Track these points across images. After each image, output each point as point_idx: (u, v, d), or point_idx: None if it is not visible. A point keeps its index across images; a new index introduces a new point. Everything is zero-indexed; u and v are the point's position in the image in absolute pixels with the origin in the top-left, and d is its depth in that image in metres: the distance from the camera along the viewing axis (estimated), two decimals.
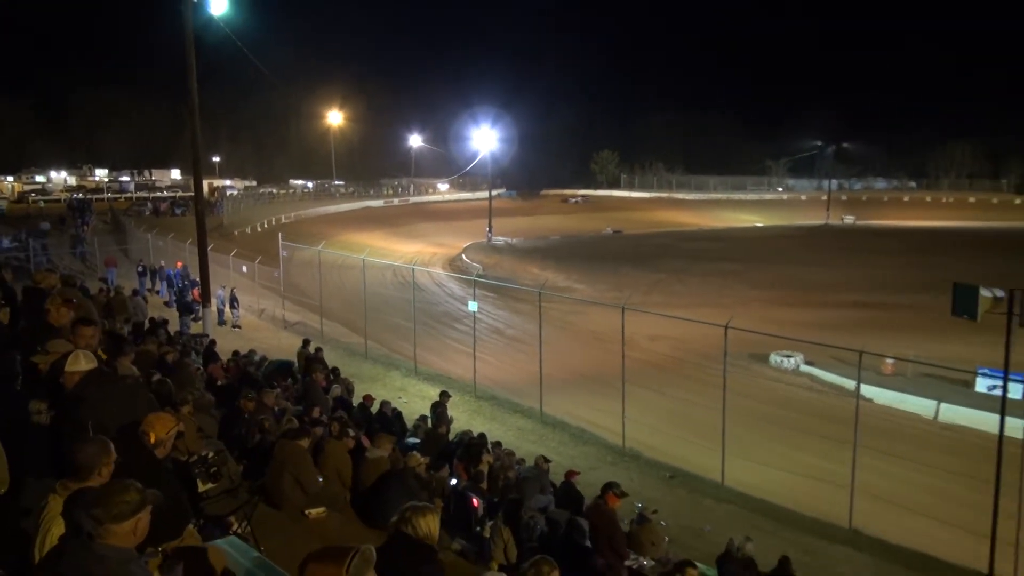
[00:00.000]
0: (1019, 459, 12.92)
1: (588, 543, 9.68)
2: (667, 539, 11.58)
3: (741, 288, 47.58)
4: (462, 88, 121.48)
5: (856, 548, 13.70)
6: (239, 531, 6.33)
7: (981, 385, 24.64)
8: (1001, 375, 13.65)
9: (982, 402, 22.24)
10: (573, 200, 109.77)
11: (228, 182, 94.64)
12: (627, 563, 9.63)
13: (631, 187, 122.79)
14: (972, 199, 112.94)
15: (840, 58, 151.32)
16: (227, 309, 29.37)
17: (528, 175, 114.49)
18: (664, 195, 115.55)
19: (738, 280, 51.07)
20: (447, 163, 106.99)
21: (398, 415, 16.50)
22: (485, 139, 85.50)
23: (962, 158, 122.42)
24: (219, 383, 14.79)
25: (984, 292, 13.11)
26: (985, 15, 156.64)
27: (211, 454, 7.02)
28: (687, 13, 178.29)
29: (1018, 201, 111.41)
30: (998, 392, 13.76)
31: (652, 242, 75.91)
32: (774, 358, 29.20)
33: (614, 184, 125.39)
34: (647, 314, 25.88)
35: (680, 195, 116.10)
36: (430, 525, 4.80)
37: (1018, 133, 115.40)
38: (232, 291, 29.80)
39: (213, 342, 19.81)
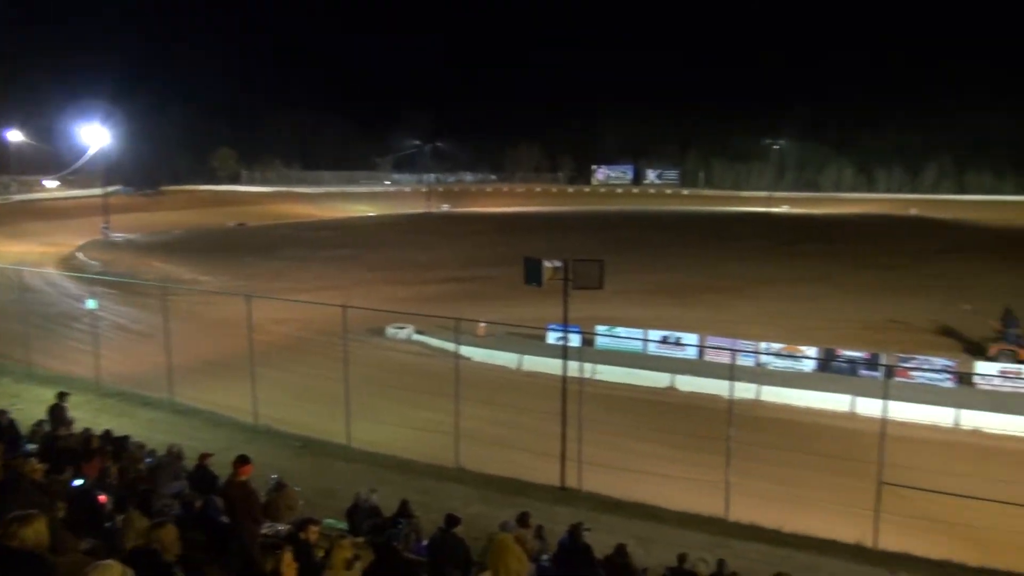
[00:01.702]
0: (578, 394, 14.83)
1: (225, 518, 9.16)
2: (302, 502, 11.39)
3: (358, 271, 48.31)
4: (69, 83, 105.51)
5: (462, 483, 14.67)
6: None
7: (551, 338, 27.76)
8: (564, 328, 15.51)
9: (553, 351, 24.60)
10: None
11: None
12: (263, 530, 9.29)
13: (252, 182, 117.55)
14: (538, 189, 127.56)
15: (432, 70, 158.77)
16: None
17: (146, 171, 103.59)
18: (284, 189, 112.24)
19: (355, 264, 51.76)
20: (55, 159, 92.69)
21: (11, 423, 14.08)
22: (96, 135, 75.78)
23: (529, 156, 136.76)
24: None
25: (546, 263, 14.57)
26: (546, 35, 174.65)
27: None
28: (297, 26, 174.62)
29: (570, 190, 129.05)
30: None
31: (275, 233, 73.85)
32: (389, 331, 30.04)
33: (235, 179, 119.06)
34: (272, 300, 25.16)
35: (299, 189, 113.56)
36: (38, 532, 4.13)
37: (569, 134, 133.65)
38: None
39: None
